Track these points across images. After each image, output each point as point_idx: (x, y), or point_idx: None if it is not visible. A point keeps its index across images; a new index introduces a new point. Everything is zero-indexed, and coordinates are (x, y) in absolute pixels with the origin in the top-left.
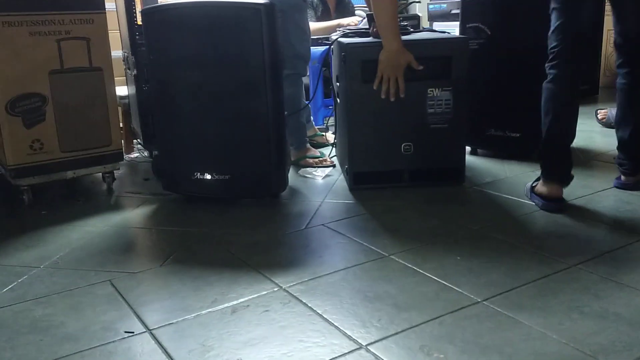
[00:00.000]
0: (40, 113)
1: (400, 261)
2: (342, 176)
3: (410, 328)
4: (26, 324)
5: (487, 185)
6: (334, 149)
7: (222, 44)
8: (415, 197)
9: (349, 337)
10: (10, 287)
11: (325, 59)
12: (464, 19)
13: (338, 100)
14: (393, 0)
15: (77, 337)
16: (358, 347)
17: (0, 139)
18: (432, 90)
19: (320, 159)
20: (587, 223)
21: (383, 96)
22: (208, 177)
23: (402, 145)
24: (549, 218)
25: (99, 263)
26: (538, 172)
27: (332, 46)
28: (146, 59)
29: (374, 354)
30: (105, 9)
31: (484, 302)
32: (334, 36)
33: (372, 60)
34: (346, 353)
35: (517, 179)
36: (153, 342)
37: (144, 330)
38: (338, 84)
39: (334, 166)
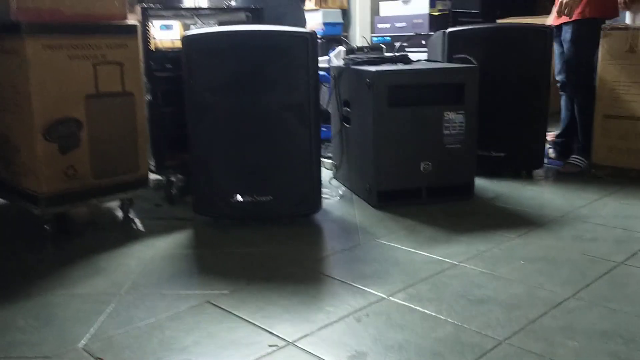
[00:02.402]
0: (76, 138)
1: (475, 268)
2: (354, 195)
3: (530, 324)
4: (157, 346)
5: (495, 200)
6: (335, 171)
7: (268, 69)
8: (439, 211)
9: (483, 334)
10: (107, 312)
11: None
12: (451, 50)
13: (345, 125)
14: None
15: (226, 355)
16: (498, 343)
17: (29, 166)
18: (448, 114)
19: None
20: (603, 229)
21: None
22: (249, 198)
23: (422, 164)
24: (572, 223)
25: (182, 286)
26: (531, 187)
27: (334, 72)
28: (186, 83)
29: (517, 346)
30: (137, 34)
31: (575, 297)
32: (337, 63)
33: (397, 86)
34: (490, 350)
35: (515, 193)
36: (303, 353)
37: (286, 342)
38: (348, 109)
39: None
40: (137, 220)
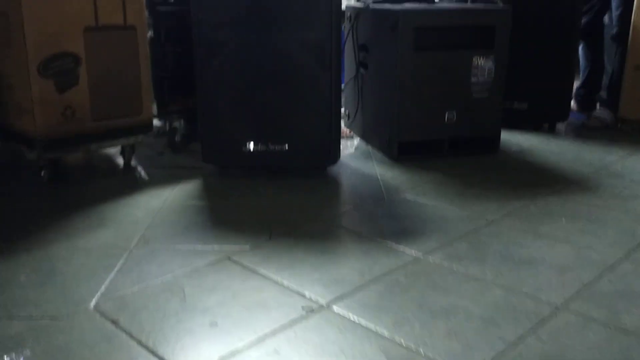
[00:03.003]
0: (74, 76)
1: (514, 225)
2: (369, 147)
3: (585, 288)
4: (176, 306)
5: (521, 154)
6: (347, 120)
7: (286, 3)
8: (464, 165)
9: (536, 299)
10: (117, 268)
11: None
12: None
13: (362, 71)
14: None
15: (255, 318)
16: (555, 309)
17: (24, 106)
18: (477, 59)
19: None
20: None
21: None
22: (262, 147)
23: (446, 115)
24: (606, 179)
25: (197, 240)
26: (556, 142)
27: (351, 13)
28: (194, 18)
29: (576, 313)
30: None
31: (629, 259)
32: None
33: (424, 28)
34: (547, 317)
35: (541, 147)
36: (341, 318)
37: (320, 305)
38: (365, 53)
39: (352, 137)
40: (140, 168)
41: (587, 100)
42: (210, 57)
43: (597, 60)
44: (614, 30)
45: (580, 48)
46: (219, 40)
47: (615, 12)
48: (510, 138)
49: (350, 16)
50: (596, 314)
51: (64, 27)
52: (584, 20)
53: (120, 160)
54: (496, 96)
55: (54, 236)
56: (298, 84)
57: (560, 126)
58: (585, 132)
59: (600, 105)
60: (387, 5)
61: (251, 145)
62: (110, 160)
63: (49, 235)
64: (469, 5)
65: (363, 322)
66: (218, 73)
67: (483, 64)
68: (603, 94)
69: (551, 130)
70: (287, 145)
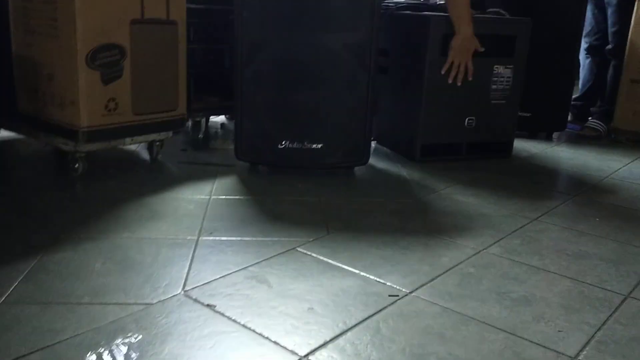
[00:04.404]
0: (119, 68)
1: (555, 224)
2: (385, 149)
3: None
4: (267, 294)
5: (532, 159)
6: None
7: (329, 4)
8: (484, 168)
9: (603, 289)
10: (192, 257)
11: None
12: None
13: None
14: None
15: (347, 304)
16: (623, 298)
17: (67, 97)
18: (497, 67)
19: None
20: None
21: (450, 81)
22: (298, 145)
23: (466, 119)
24: (620, 184)
25: (259, 233)
26: (560, 149)
27: None
28: (236, 17)
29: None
30: None
31: None
32: None
33: (451, 35)
34: (619, 305)
35: (548, 154)
36: (430, 304)
37: (405, 293)
38: (383, 57)
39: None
40: (165, 164)
41: (582, 112)
42: (252, 55)
43: (601, 77)
44: (610, 46)
45: (587, 63)
46: (262, 39)
47: (611, 29)
48: (515, 144)
49: None
50: None
51: (113, 19)
52: (594, 38)
53: (144, 155)
54: (513, 103)
55: (112, 227)
56: (337, 83)
57: (555, 135)
58: (581, 141)
59: (593, 117)
60: (410, 13)
61: (286, 143)
62: (133, 155)
63: (105, 225)
64: (491, 15)
65: (453, 306)
66: (258, 71)
67: (503, 72)
68: (597, 106)
69: (548, 138)
70: (321, 144)
